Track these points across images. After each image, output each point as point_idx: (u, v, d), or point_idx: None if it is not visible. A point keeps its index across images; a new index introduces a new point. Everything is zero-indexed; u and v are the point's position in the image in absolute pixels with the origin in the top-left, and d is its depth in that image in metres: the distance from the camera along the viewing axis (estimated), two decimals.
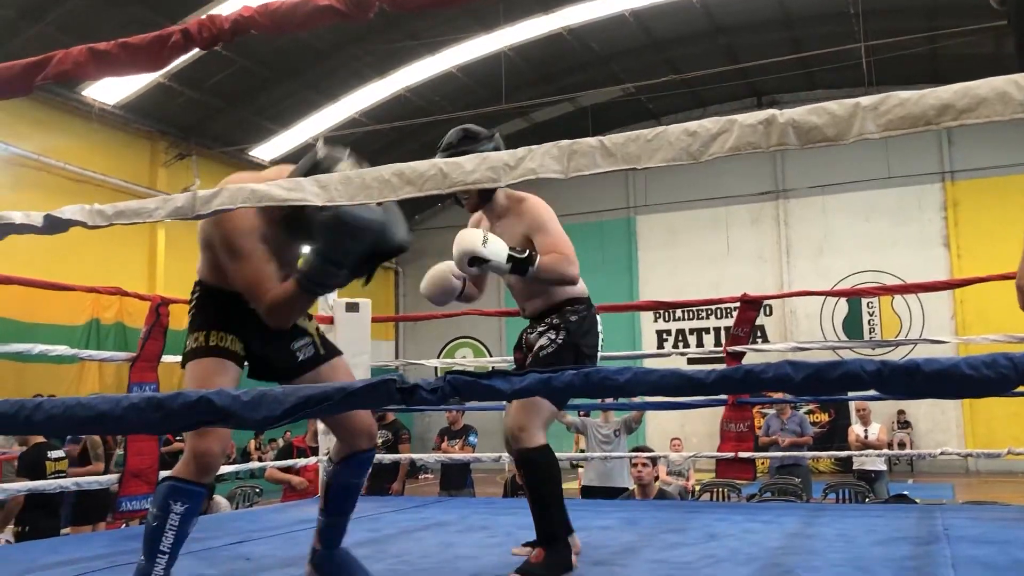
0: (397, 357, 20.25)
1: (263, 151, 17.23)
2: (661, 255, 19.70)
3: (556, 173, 1.05)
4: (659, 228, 19.84)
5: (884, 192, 18.05)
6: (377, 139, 17.92)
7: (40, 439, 5.90)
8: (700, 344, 18.61)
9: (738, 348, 5.07)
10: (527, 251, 2.81)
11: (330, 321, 5.63)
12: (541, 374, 1.05)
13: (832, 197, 18.53)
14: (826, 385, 0.92)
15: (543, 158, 1.05)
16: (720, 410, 5.13)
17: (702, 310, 18.54)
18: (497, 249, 2.74)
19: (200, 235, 2.48)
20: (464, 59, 15.94)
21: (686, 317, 19.22)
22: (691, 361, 15.49)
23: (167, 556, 2.31)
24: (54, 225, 1.30)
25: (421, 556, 3.27)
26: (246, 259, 2.35)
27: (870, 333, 18.31)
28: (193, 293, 2.61)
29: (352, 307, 5.56)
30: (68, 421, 1.26)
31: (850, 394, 6.82)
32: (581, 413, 7.51)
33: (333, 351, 2.73)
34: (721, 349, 5.28)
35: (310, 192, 1.16)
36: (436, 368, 19.98)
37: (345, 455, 2.66)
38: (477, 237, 2.73)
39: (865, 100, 0.93)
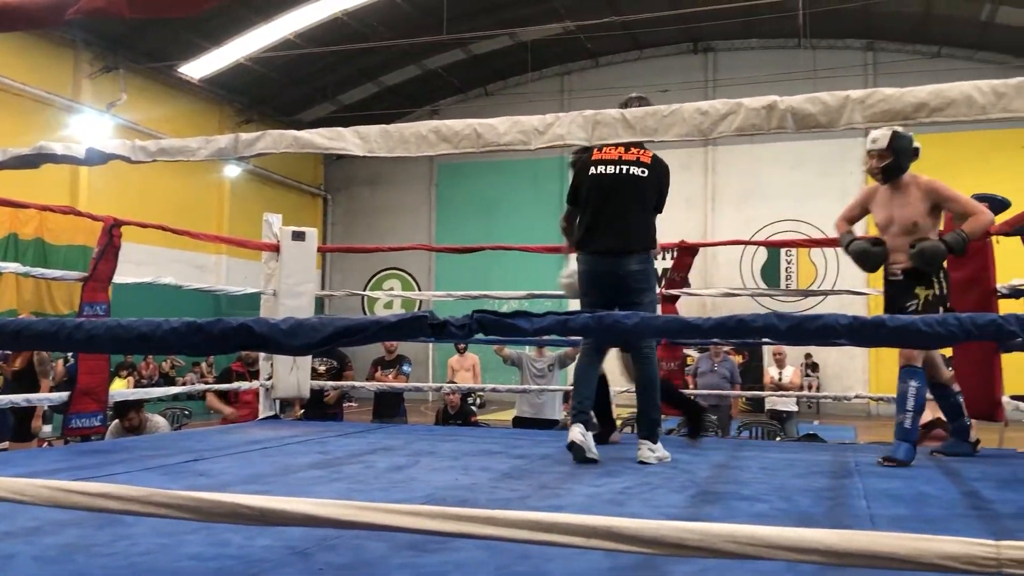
0: (323, 287, 20.06)
1: (193, 68, 16.73)
2: None
3: (581, 140, 1.19)
4: None
5: (811, 144, 18.58)
6: (311, 63, 17.54)
7: None
8: None
9: (673, 292, 5.32)
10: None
11: (276, 249, 5.66)
12: (558, 315, 1.19)
13: (760, 146, 19.00)
14: (806, 335, 1.09)
15: (570, 126, 1.18)
16: None
17: None
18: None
19: None
20: None
21: None
22: None
23: None
24: (94, 158, 1.38)
25: (375, 477, 3.43)
26: None
27: (786, 280, 18.99)
28: None
29: (299, 236, 5.58)
30: (109, 341, 1.37)
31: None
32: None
33: None
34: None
35: (351, 142, 1.27)
36: (364, 299, 19.95)
37: None
38: None
39: (855, 93, 1.09)
